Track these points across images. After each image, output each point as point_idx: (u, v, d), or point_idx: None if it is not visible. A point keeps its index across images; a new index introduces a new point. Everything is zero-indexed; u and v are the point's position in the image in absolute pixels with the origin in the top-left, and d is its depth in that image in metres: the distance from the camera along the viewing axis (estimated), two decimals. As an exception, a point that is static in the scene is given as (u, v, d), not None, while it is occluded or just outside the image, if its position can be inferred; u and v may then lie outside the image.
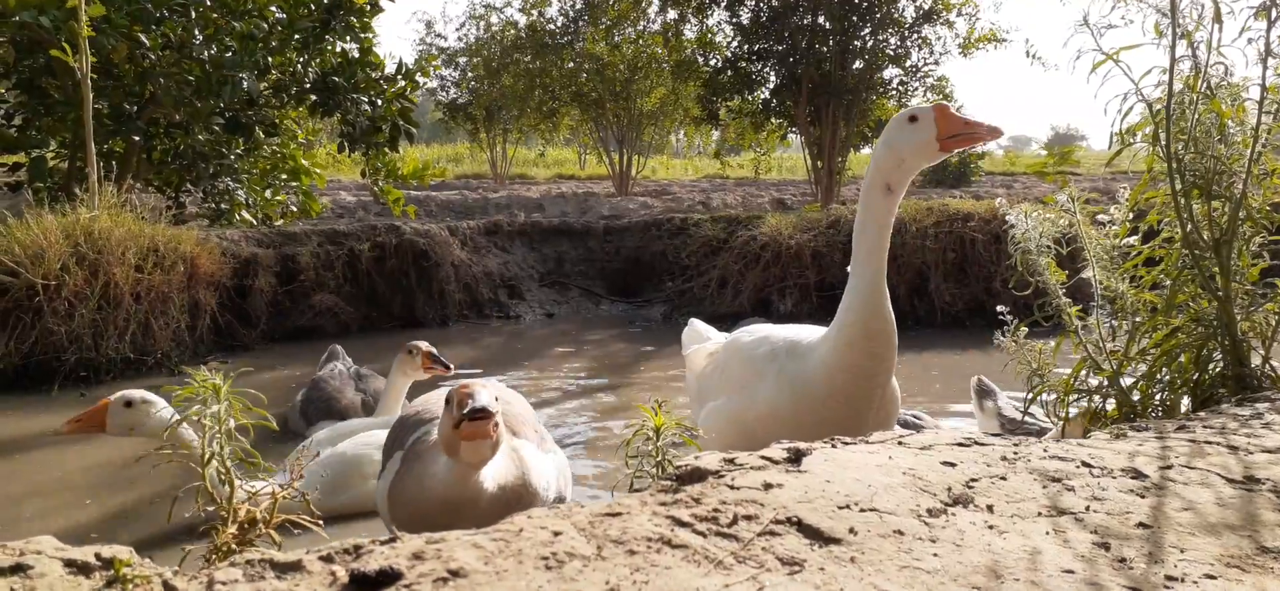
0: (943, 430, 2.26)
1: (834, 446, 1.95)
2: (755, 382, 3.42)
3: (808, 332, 3.61)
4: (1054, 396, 3.67)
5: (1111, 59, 3.42)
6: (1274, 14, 3.36)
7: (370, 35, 10.68)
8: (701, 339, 4.17)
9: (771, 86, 17.70)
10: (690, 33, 19.85)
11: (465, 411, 2.19)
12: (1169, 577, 1.45)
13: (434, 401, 2.90)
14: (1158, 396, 3.53)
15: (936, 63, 17.98)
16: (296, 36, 9.90)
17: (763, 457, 1.87)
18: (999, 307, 3.90)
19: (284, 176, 11.14)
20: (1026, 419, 3.89)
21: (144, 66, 8.80)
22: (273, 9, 9.81)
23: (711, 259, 9.92)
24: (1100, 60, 3.43)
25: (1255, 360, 3.34)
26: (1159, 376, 3.53)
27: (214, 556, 2.38)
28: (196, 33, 9.26)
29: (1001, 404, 4.46)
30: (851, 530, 1.56)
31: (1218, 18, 3.37)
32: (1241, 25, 3.42)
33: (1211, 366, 3.41)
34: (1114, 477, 1.84)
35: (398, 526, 2.50)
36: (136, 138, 9.17)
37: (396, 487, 2.56)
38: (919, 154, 3.15)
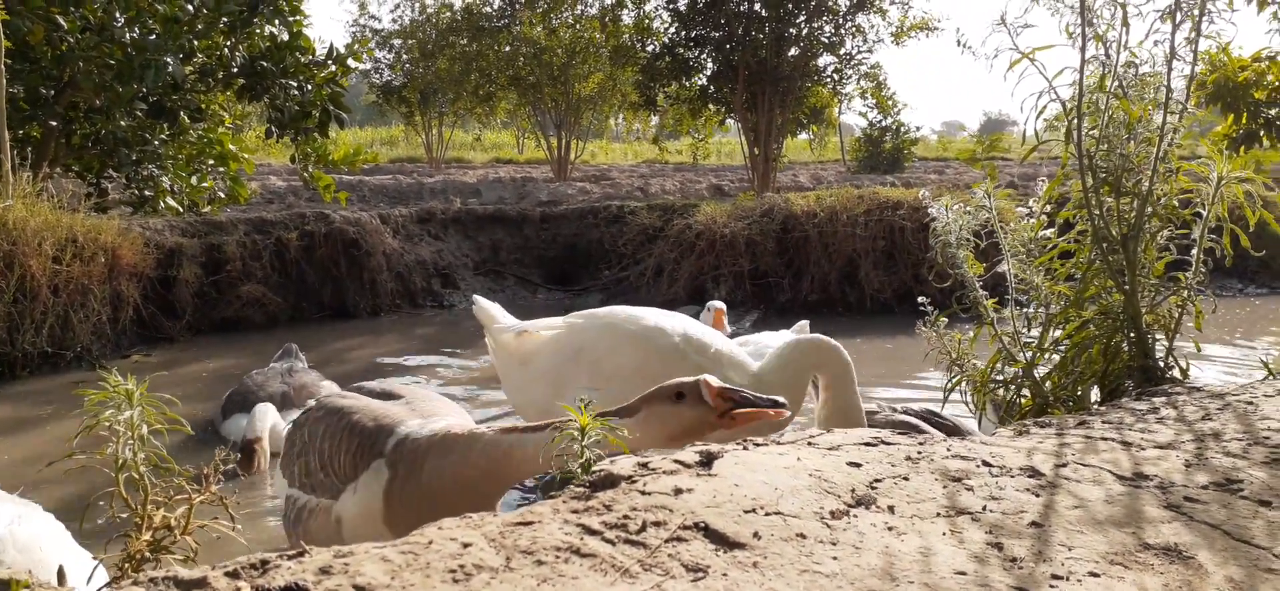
0: (854, 431, 2.32)
1: (745, 448, 1.99)
2: (661, 373, 3.45)
3: (674, 320, 3.77)
4: (970, 386, 3.77)
5: (1027, 58, 3.52)
6: (1179, 17, 3.49)
7: (300, 18, 10.46)
8: (496, 319, 4.03)
9: (708, 73, 17.80)
10: (628, 18, 19.85)
11: (735, 403, 2.28)
12: (1055, 576, 1.51)
13: (357, 399, 2.83)
14: (1069, 387, 3.65)
15: (870, 51, 18.26)
16: (223, 19, 9.66)
17: (676, 461, 1.90)
18: (920, 298, 3.99)
19: (211, 162, 10.87)
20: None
21: (62, 49, 8.52)
22: (197, -10, 9.56)
23: (648, 247, 9.97)
24: (1016, 58, 3.52)
25: (1160, 351, 3.48)
26: (1071, 368, 3.65)
27: (127, 565, 2.34)
28: (117, 14, 8.98)
29: None
30: (756, 534, 1.60)
31: (1126, 21, 3.49)
32: (1149, 27, 3.55)
33: (1119, 358, 3.54)
34: (1012, 476, 1.91)
35: (400, 530, 2.42)
36: (54, 123, 8.89)
37: (403, 489, 2.47)
38: None
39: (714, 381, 2.29)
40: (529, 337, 3.94)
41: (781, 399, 2.30)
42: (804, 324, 5.48)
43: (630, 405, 2.37)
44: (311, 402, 3.14)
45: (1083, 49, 3.51)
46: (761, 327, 7.77)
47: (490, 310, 4.11)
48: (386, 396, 2.88)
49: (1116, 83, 3.54)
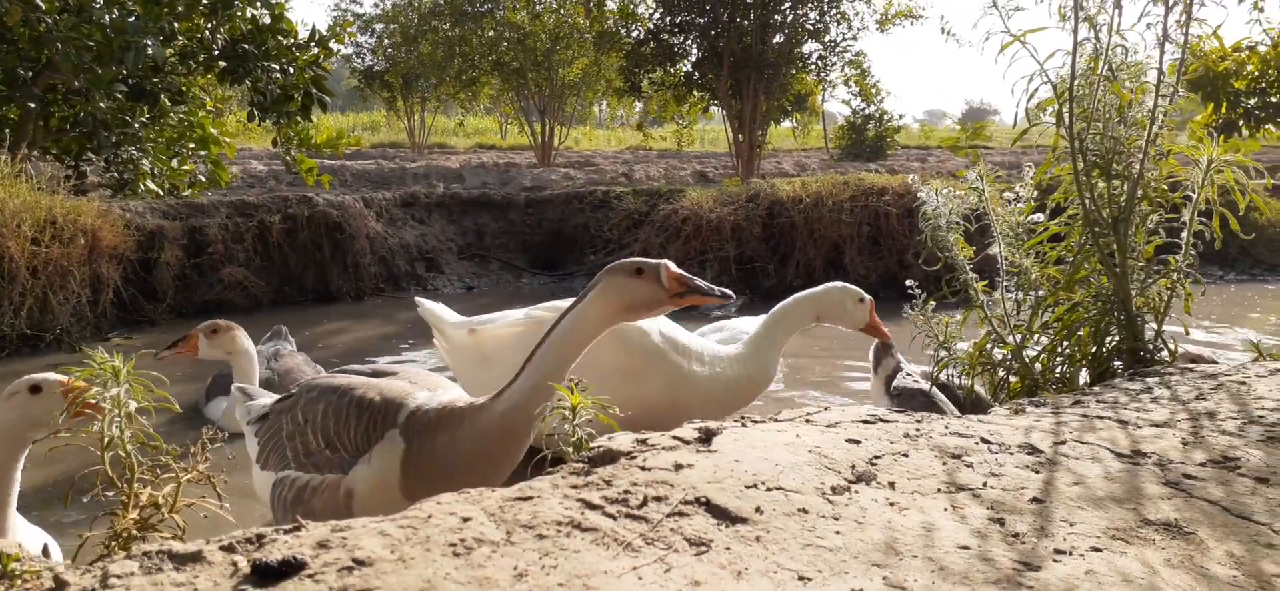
0: (851, 407, 2.32)
1: (743, 425, 1.98)
2: (643, 370, 3.73)
3: None
4: (960, 367, 3.78)
5: (1018, 41, 3.52)
6: (1171, 0, 3.49)
7: (281, 1, 10.35)
8: (443, 318, 4.03)
9: (693, 59, 17.77)
10: (612, 3, 19.76)
11: (691, 290, 2.42)
12: (1058, 551, 1.51)
13: (362, 380, 2.80)
14: (1058, 368, 3.66)
15: (854, 38, 18.32)
16: (203, 1, 9.54)
17: (675, 437, 1.89)
18: (908, 282, 3.99)
19: (192, 146, 10.75)
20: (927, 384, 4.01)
21: (40, 30, 8.39)
22: (178, -29, 9.43)
23: (634, 232, 9.94)
24: (1008, 42, 3.52)
25: (1149, 333, 3.49)
26: (1060, 349, 3.66)
27: (113, 543, 2.30)
28: (96, -5, 8.86)
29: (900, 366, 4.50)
30: (758, 509, 1.58)
31: (1118, 3, 3.49)
32: (1141, 10, 3.54)
33: (1108, 340, 3.55)
34: (1011, 453, 1.91)
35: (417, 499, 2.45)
36: (32, 104, 8.76)
37: (418, 459, 2.51)
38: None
39: (672, 267, 2.41)
40: (488, 333, 3.90)
41: (729, 292, 2.43)
42: None
43: (589, 284, 2.48)
44: (296, 387, 3.10)
45: (1075, 31, 3.50)
46: (747, 312, 7.77)
47: (436, 310, 4.09)
48: (378, 375, 2.87)
49: (1107, 66, 3.54)
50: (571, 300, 3.55)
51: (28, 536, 2.73)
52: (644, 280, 2.41)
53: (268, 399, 3.22)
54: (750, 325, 5.05)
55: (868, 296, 4.15)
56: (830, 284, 4.18)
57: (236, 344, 4.51)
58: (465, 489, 1.77)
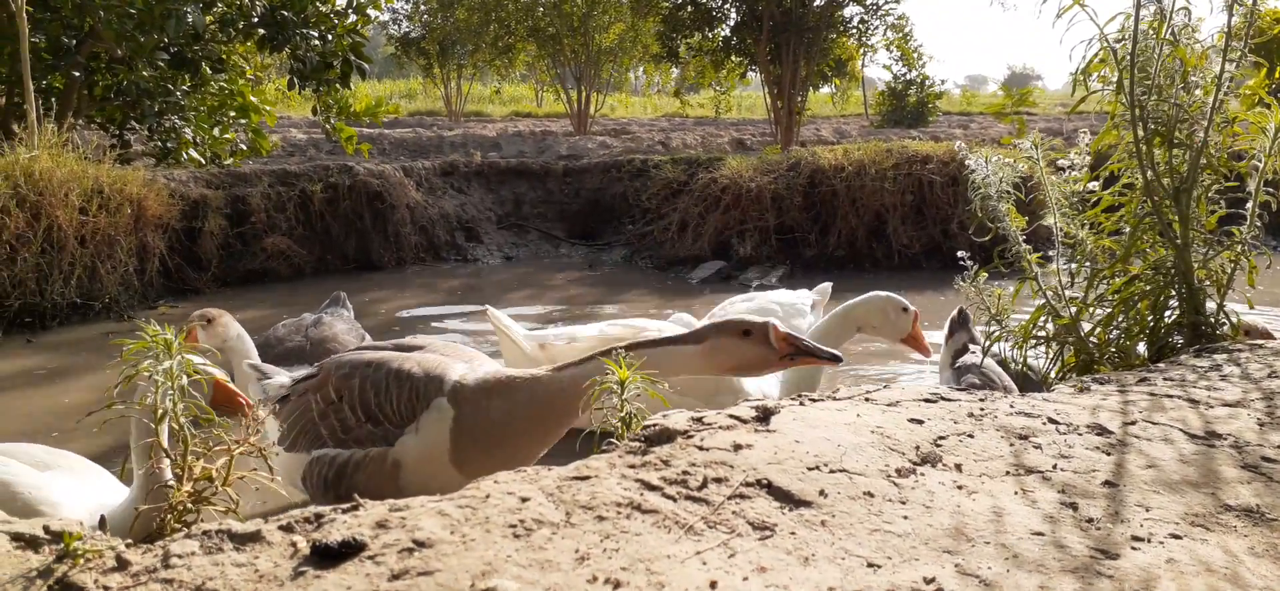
0: (910, 385, 2.27)
1: (802, 403, 1.94)
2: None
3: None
4: (1012, 341, 3.70)
5: (1077, 4, 3.41)
6: (1239, -39, 3.35)
7: (320, -32, 10.34)
8: (510, 328, 4.10)
9: (732, 23, 17.53)
10: (649, -33, 19.52)
11: (800, 351, 2.40)
12: (1135, 538, 1.45)
13: (392, 356, 2.80)
14: (1114, 342, 3.57)
15: (897, 1, 17.93)
16: (243, -32, 9.57)
17: (732, 416, 1.85)
18: (959, 253, 3.91)
19: (232, 114, 10.82)
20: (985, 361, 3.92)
21: (83, -1, 8.46)
22: (218, -61, 9.46)
23: (672, 201, 9.86)
24: (1066, 6, 3.41)
25: (1210, 307, 3.39)
26: (1117, 323, 3.57)
27: (168, 515, 2.32)
28: (138, -37, 8.90)
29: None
30: (821, 492, 1.55)
31: (1184, -36, 3.36)
32: (1209, -30, 3.42)
33: (1167, 314, 3.45)
34: (1079, 434, 1.85)
35: (467, 466, 2.50)
36: (76, 73, 8.84)
37: (471, 426, 2.54)
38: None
39: (780, 326, 2.38)
40: (558, 350, 3.93)
41: (839, 352, 2.40)
42: (826, 286, 5.40)
43: (696, 332, 2.45)
44: (316, 366, 3.06)
45: (1139, -8, 3.38)
46: (788, 283, 7.71)
47: (505, 320, 4.14)
48: (406, 349, 2.87)
49: (1171, 30, 3.41)
50: (663, 325, 3.58)
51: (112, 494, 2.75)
52: (753, 341, 2.38)
53: (283, 378, 3.21)
54: (781, 297, 5.00)
55: (912, 307, 4.09)
56: (872, 293, 4.13)
57: (225, 332, 4.48)
58: (518, 465, 1.75)
